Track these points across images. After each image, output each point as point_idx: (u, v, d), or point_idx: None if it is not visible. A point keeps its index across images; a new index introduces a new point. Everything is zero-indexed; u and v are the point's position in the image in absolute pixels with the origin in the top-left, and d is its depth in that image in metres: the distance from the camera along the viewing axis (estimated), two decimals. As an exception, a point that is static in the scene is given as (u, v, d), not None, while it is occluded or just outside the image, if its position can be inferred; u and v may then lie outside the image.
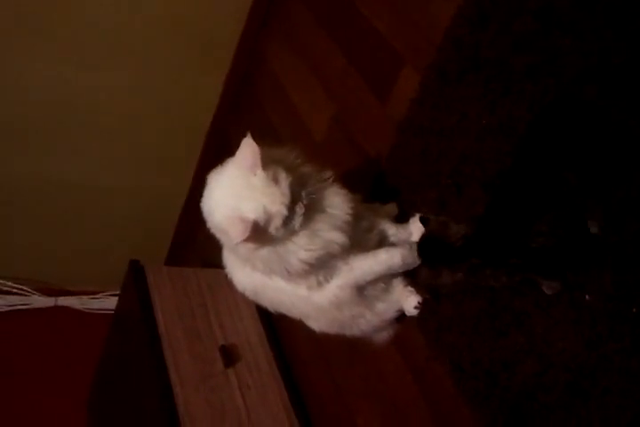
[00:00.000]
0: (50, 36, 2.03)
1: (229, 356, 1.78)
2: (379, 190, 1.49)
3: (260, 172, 1.10)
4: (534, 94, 1.10)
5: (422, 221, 1.19)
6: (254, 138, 1.11)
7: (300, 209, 1.13)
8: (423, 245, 1.10)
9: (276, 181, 1.11)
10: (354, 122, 1.67)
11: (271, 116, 2.11)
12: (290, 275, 1.21)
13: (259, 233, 1.10)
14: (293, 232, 1.15)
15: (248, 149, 1.12)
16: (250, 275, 1.27)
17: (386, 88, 1.52)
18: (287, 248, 1.17)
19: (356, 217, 1.23)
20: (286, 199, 1.10)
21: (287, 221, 1.12)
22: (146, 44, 2.13)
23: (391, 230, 1.34)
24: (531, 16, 1.11)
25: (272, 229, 1.11)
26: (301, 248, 1.17)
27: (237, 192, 1.13)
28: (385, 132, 1.51)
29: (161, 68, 2.22)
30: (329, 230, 1.18)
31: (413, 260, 1.28)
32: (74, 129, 2.30)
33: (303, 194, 1.14)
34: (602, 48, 0.99)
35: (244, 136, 1.13)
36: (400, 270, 1.31)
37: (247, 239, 1.09)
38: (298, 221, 1.13)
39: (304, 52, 1.93)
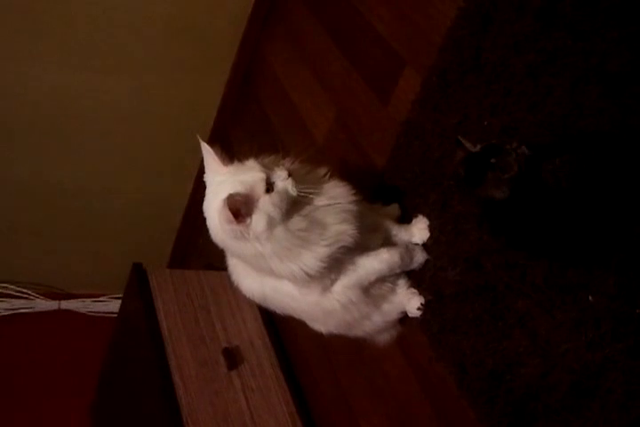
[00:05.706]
0: (49, 39, 2.03)
1: (233, 358, 1.78)
2: (381, 192, 1.48)
3: (224, 167, 1.15)
4: (535, 95, 1.10)
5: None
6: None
7: (291, 184, 1.13)
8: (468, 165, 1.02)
9: (244, 165, 1.16)
10: (355, 124, 1.67)
11: (273, 119, 2.11)
12: (305, 278, 1.19)
13: (247, 207, 1.09)
14: (303, 208, 1.15)
15: (205, 153, 1.18)
16: (260, 282, 1.27)
17: (387, 90, 1.52)
18: (301, 250, 1.16)
19: (361, 213, 1.23)
20: (257, 166, 1.13)
21: (282, 195, 1.11)
22: (146, 45, 2.14)
23: (393, 230, 1.35)
24: (531, 17, 1.10)
25: (262, 200, 1.10)
26: (317, 245, 1.16)
27: (215, 191, 1.15)
28: (386, 134, 1.51)
29: (162, 70, 2.22)
30: (338, 223, 1.18)
31: (411, 259, 1.33)
32: (75, 132, 2.31)
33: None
34: (603, 49, 0.99)
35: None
36: (399, 270, 1.33)
37: (238, 218, 1.08)
38: (293, 189, 1.13)
39: (305, 53, 1.93)
